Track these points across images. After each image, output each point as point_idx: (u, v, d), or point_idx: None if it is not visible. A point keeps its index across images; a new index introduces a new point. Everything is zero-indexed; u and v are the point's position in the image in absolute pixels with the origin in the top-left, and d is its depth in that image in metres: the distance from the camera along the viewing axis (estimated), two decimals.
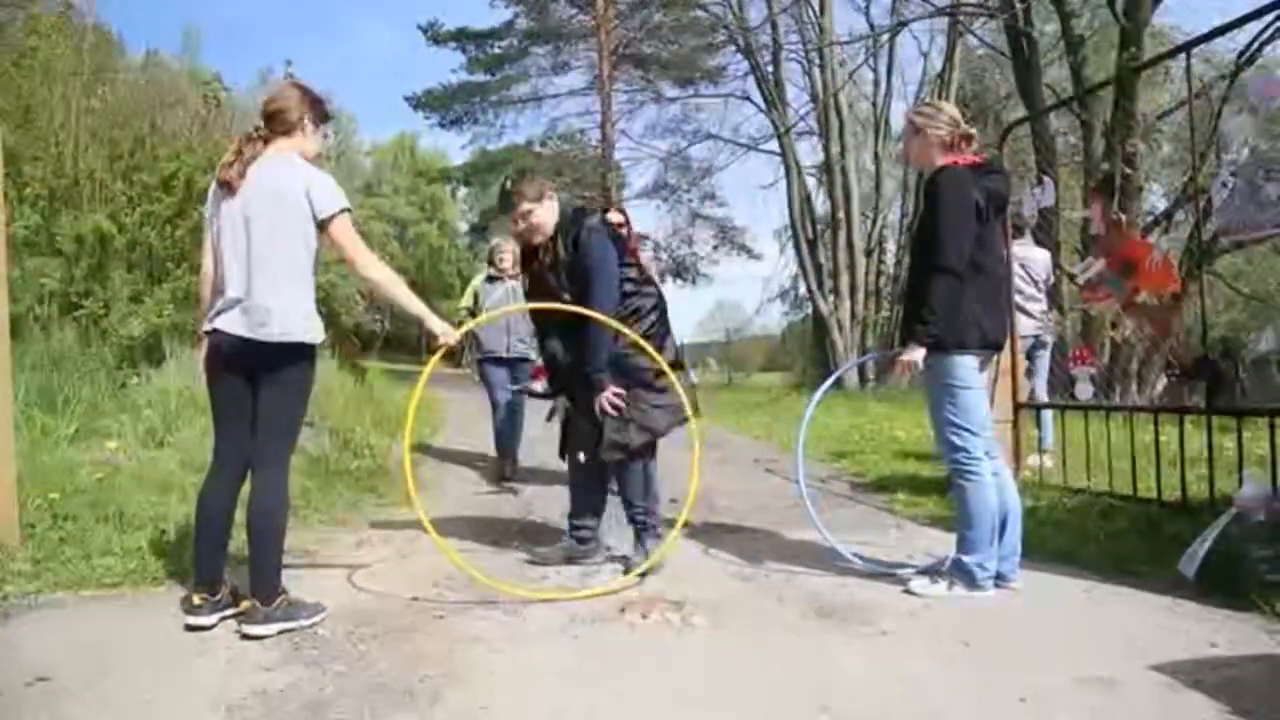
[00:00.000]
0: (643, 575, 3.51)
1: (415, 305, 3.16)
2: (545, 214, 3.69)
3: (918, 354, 3.20)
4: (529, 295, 3.97)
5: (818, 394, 4.11)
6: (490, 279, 6.33)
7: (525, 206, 3.65)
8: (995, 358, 3.59)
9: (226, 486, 2.96)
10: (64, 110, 8.06)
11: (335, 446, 6.22)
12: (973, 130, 3.39)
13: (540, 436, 5.45)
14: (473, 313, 6.14)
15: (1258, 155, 3.86)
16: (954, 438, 3.24)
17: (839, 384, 15.06)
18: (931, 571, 3.40)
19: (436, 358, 3.43)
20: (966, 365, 3.22)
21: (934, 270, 3.15)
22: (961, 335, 3.18)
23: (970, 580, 3.22)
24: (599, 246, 3.60)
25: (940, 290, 3.14)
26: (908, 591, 3.27)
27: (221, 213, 2.91)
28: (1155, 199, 15.10)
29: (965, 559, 3.24)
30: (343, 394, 7.96)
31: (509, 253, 6.11)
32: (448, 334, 3.21)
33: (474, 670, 2.54)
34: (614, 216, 3.88)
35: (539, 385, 4.69)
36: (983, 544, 3.22)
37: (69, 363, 5.91)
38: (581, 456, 3.74)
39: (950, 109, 3.45)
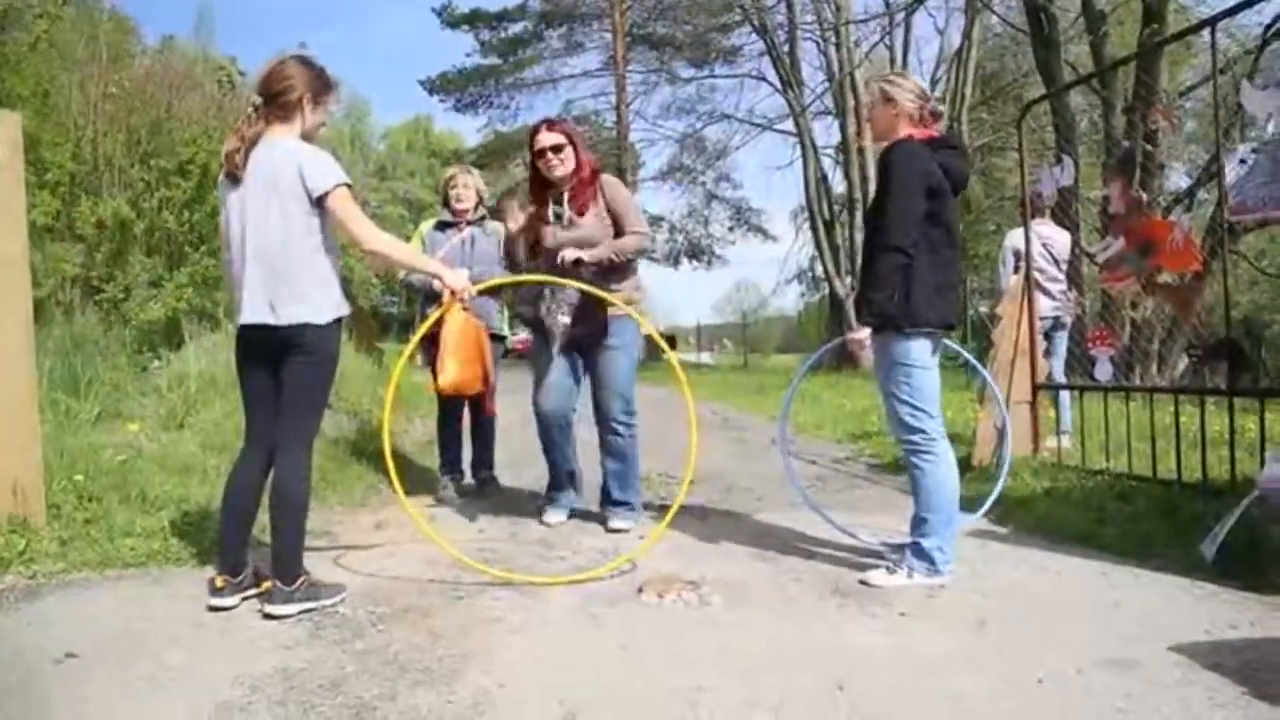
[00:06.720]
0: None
1: (423, 262, 3.25)
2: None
3: (863, 333, 3.16)
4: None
5: (799, 372, 4.34)
6: (442, 225, 4.98)
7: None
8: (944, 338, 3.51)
9: (254, 470, 2.98)
10: (82, 96, 8.11)
11: (353, 428, 6.27)
12: (941, 108, 3.32)
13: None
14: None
15: None
16: (910, 419, 3.18)
17: (856, 366, 15.09)
18: (889, 561, 3.26)
19: (433, 319, 3.39)
20: (920, 345, 3.15)
21: (881, 249, 3.09)
22: (915, 315, 3.10)
23: (930, 565, 3.14)
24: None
25: (886, 268, 3.07)
26: (863, 583, 3.15)
27: (229, 202, 2.92)
28: (1178, 177, 14.90)
29: (924, 543, 3.16)
30: (360, 376, 8.00)
31: (468, 188, 4.97)
32: (464, 286, 3.18)
33: (492, 649, 2.57)
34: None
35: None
36: (942, 526, 3.15)
37: (91, 346, 6.00)
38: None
39: (917, 81, 3.33)
